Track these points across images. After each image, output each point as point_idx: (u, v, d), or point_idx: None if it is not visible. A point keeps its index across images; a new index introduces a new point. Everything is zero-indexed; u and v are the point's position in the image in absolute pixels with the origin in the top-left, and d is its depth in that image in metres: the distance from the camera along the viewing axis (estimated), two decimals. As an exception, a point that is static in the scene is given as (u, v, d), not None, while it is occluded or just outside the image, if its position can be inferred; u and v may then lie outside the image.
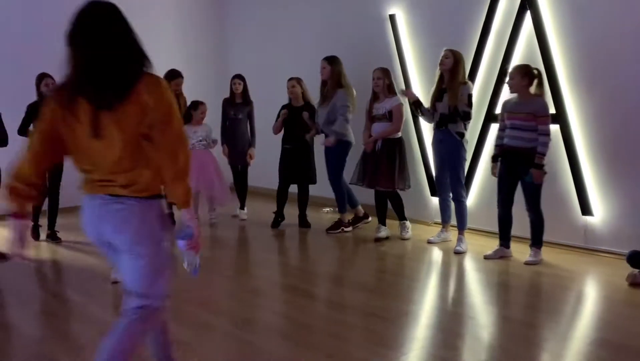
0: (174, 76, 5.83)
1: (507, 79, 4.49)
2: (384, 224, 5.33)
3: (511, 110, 4.44)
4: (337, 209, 5.75)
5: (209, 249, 5.17)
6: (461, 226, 4.95)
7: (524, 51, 4.99)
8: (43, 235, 5.37)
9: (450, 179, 4.94)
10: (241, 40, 8.08)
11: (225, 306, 3.67)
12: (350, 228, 5.65)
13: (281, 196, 5.89)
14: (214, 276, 4.33)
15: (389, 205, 5.31)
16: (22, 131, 5.01)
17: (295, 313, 3.53)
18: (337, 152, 5.48)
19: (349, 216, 5.68)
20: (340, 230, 5.59)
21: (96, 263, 4.35)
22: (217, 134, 6.13)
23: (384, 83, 5.11)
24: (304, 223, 5.86)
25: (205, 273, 4.37)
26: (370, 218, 5.74)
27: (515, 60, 4.99)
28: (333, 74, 5.38)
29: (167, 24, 7.57)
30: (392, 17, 6.03)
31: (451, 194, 5.00)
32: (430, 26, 5.71)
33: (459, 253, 4.80)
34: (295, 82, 5.69)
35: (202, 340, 3.10)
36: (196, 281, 4.11)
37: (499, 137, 4.60)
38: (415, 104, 5.03)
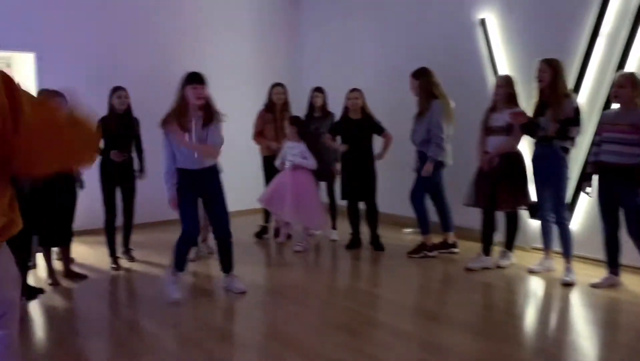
0: (274, 85, 5.78)
1: (614, 88, 3.98)
2: (488, 254, 4.77)
3: (612, 122, 3.95)
4: (419, 230, 5.29)
5: (291, 272, 4.86)
6: (567, 253, 4.39)
7: (643, 57, 4.39)
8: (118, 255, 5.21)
9: (552, 199, 4.40)
10: (317, 50, 7.80)
11: (311, 345, 3.29)
12: (434, 253, 5.17)
13: (352, 215, 5.54)
14: (297, 307, 3.98)
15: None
16: None
17: (388, 356, 3.11)
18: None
19: (434, 240, 5.22)
20: (422, 254, 5.14)
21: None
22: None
23: (506, 92, 4.60)
24: (377, 245, 5.46)
25: (288, 302, 4.12)
26: (458, 249, 5.25)
27: (632, 68, 4.40)
28: (421, 87, 4.98)
29: (241, 37, 7.47)
30: (482, 22, 5.55)
31: (554, 217, 4.45)
32: (526, 31, 5.19)
33: (568, 285, 4.24)
34: (358, 94, 5.35)
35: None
36: (280, 314, 3.82)
37: (594, 154, 4.15)
38: (526, 125, 4.38)
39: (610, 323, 3.66)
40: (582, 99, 4.69)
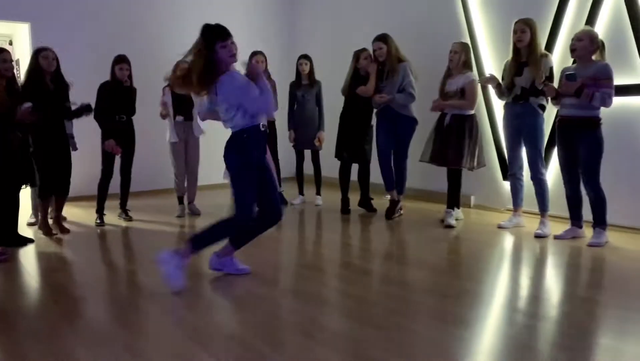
0: (255, 53, 5.67)
1: (572, 42, 4.11)
2: (452, 208, 5.03)
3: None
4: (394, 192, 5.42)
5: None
6: (543, 208, 4.57)
7: (610, 18, 4.54)
8: (112, 218, 5.36)
9: (531, 155, 4.58)
10: (309, 19, 7.93)
11: (281, 279, 3.53)
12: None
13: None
14: (265, 251, 4.20)
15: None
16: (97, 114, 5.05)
17: (353, 289, 3.33)
18: (408, 131, 5.26)
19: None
20: (399, 214, 5.38)
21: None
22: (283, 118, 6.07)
23: (460, 58, 4.82)
24: (369, 207, 5.66)
25: (257, 248, 3.76)
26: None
27: (600, 28, 4.55)
28: (390, 51, 5.13)
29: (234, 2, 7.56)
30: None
31: (530, 173, 4.61)
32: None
33: (541, 237, 4.41)
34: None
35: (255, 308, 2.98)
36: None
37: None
38: (498, 87, 4.64)
39: (569, 265, 3.83)
40: (554, 60, 4.83)
